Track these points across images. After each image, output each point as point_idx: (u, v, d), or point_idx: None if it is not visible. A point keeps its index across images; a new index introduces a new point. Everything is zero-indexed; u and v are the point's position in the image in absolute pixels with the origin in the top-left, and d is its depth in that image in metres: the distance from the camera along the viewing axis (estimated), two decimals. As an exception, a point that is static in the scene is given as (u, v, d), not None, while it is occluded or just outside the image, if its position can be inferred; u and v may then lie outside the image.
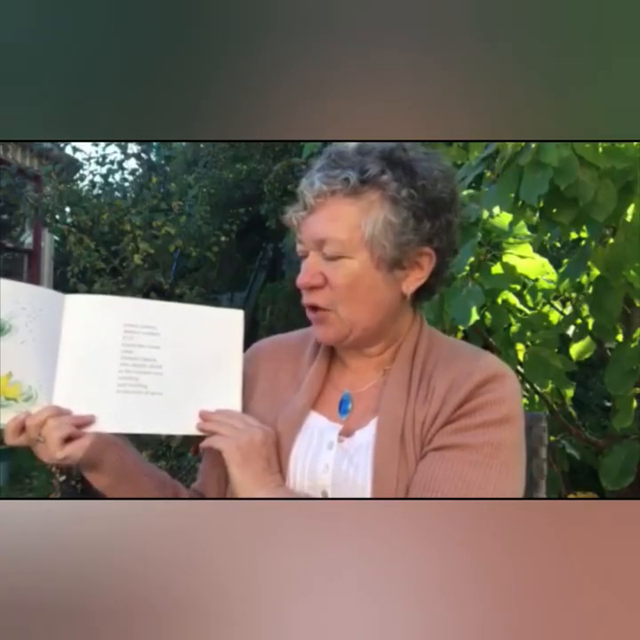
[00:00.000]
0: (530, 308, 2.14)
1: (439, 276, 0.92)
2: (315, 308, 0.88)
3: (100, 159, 5.09)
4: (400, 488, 0.81)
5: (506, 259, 2.01)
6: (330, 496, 0.85)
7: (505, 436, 0.82)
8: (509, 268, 1.99)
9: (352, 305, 0.85)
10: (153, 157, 5.78)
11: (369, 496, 0.82)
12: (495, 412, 0.82)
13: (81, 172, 6.05)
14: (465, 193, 2.00)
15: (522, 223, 1.88)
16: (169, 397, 0.87)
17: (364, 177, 0.83)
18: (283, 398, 0.94)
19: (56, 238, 6.38)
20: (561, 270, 2.01)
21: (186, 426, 0.87)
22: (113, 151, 5.14)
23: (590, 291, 1.89)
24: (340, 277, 0.84)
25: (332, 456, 0.86)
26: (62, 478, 3.42)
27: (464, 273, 1.89)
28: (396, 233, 0.84)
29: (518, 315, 2.12)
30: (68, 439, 0.81)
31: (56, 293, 0.87)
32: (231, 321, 0.93)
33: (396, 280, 0.87)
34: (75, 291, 4.52)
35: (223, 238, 5.57)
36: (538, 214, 1.72)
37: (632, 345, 1.85)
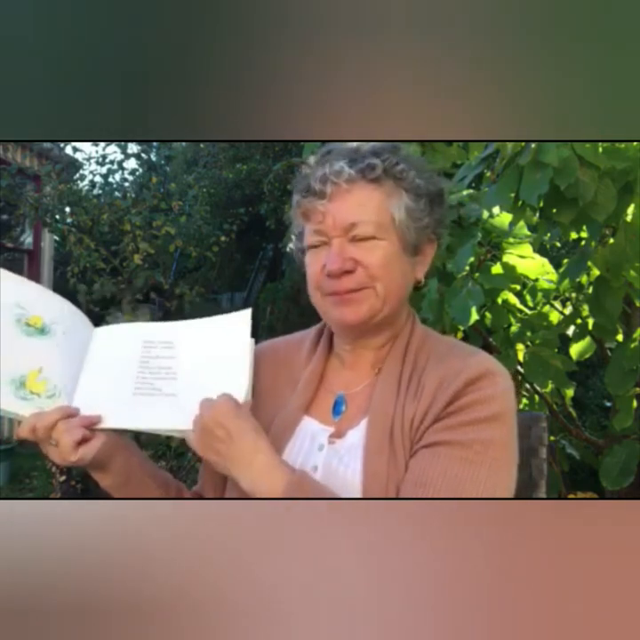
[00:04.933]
0: (530, 308, 2.14)
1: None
2: (348, 291, 0.86)
3: (100, 159, 5.08)
4: (390, 485, 0.81)
5: (506, 259, 2.02)
6: None
7: (495, 434, 0.81)
8: (509, 268, 2.00)
9: (388, 283, 0.86)
10: (153, 157, 5.77)
11: (359, 494, 0.81)
12: (485, 409, 0.81)
13: (81, 172, 6.04)
14: (465, 193, 2.00)
15: (522, 223, 1.88)
16: (182, 398, 0.88)
17: (385, 165, 0.86)
18: (280, 400, 0.94)
19: (56, 238, 6.38)
20: (561, 270, 2.01)
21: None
22: (113, 151, 5.14)
23: (590, 291, 1.89)
24: (374, 257, 0.85)
25: (322, 457, 0.86)
26: (62, 478, 3.42)
27: (464, 273, 1.89)
28: (416, 218, 0.88)
29: (518, 315, 2.12)
30: (81, 441, 0.82)
31: (89, 323, 0.97)
32: (239, 321, 0.95)
33: (413, 265, 0.91)
34: (75, 291, 4.52)
35: (223, 238, 5.57)
36: (538, 214, 1.72)
37: (632, 345, 1.85)
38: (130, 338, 0.93)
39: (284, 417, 0.91)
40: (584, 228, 1.70)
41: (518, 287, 2.10)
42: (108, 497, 0.91)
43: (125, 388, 0.88)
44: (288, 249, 0.97)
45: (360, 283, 0.85)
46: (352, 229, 0.85)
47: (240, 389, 0.90)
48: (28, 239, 6.71)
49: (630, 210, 1.66)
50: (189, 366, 0.91)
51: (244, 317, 0.95)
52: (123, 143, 4.93)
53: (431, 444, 0.81)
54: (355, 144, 0.89)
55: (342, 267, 0.84)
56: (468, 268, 1.89)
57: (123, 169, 5.20)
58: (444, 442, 0.81)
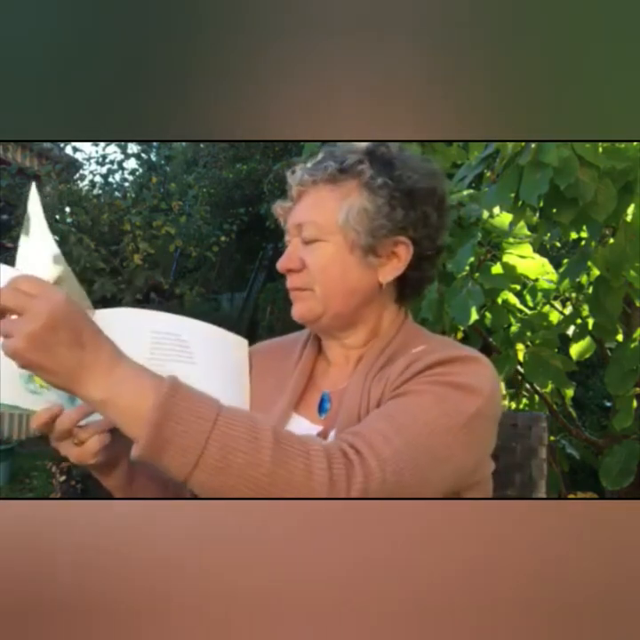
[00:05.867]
0: (530, 308, 2.14)
1: (421, 272, 0.92)
2: (294, 289, 0.91)
3: (100, 159, 5.09)
4: None
5: (506, 259, 2.02)
6: None
7: (464, 401, 0.77)
8: (509, 268, 2.00)
9: (327, 286, 0.87)
10: (153, 157, 5.77)
11: None
12: (457, 377, 0.78)
13: (81, 172, 6.05)
14: (465, 193, 2.00)
15: (522, 223, 1.88)
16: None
17: (342, 166, 0.87)
18: (271, 400, 0.94)
19: (56, 238, 6.37)
20: (561, 270, 2.01)
21: None
22: (113, 151, 5.15)
23: (590, 291, 1.89)
24: (315, 259, 0.87)
25: None
26: (62, 478, 3.42)
27: (464, 273, 1.89)
28: (370, 219, 0.86)
29: (518, 315, 2.12)
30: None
31: (88, 302, 0.89)
32: (237, 347, 0.99)
33: (372, 267, 0.88)
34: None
35: (223, 238, 5.58)
36: (538, 214, 1.73)
37: (632, 345, 1.86)
38: (136, 328, 0.90)
39: (274, 415, 0.91)
40: (584, 228, 1.70)
41: (518, 287, 2.11)
42: (108, 497, 0.91)
43: None
44: (285, 240, 0.99)
45: (304, 282, 0.89)
46: (301, 231, 0.89)
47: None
48: (28, 239, 6.69)
49: (630, 210, 1.66)
50: (204, 370, 0.90)
51: (242, 347, 0.99)
52: (123, 143, 4.94)
53: (391, 397, 0.79)
54: (338, 145, 0.91)
55: (286, 265, 0.89)
56: (468, 268, 1.89)
57: (123, 169, 5.21)
58: (397, 394, 0.79)
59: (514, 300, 2.10)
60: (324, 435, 0.88)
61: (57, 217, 4.82)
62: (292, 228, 0.91)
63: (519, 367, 2.07)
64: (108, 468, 0.87)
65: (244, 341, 1.01)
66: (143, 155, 5.34)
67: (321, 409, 0.91)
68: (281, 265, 0.90)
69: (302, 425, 0.90)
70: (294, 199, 0.91)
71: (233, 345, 0.99)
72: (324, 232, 0.87)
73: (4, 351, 0.65)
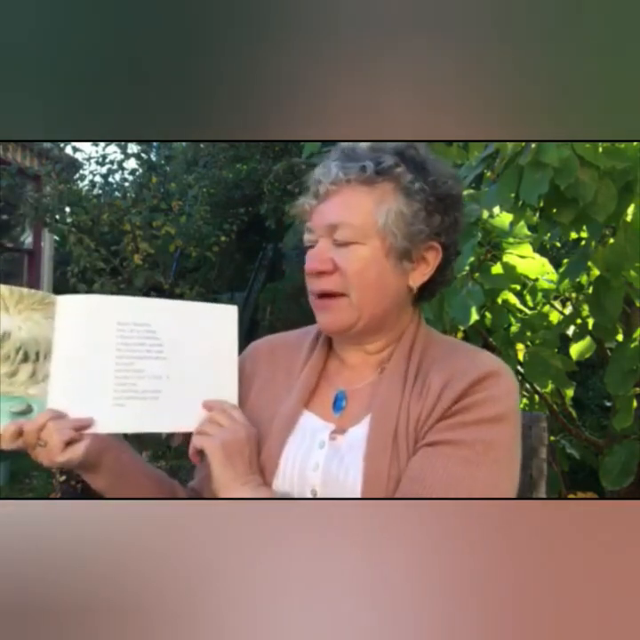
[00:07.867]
0: (530, 308, 2.14)
1: (442, 275, 0.92)
2: (325, 295, 0.87)
3: (100, 159, 5.08)
4: (391, 485, 0.80)
5: (506, 259, 2.02)
6: (319, 495, 0.84)
7: (498, 434, 0.81)
8: (509, 268, 2.00)
9: (362, 291, 0.85)
10: (153, 157, 5.77)
11: (359, 494, 0.81)
12: (489, 409, 0.81)
13: (81, 171, 6.04)
14: (465, 193, 2.00)
15: (522, 223, 1.88)
16: (167, 395, 0.86)
17: (379, 168, 0.85)
18: (279, 397, 0.93)
19: (56, 238, 6.37)
20: (561, 270, 2.01)
21: (183, 424, 0.87)
22: (113, 151, 5.13)
23: (590, 291, 1.89)
24: (351, 262, 0.85)
25: (323, 455, 0.86)
26: (62, 478, 3.42)
27: (464, 273, 1.89)
28: (408, 223, 0.85)
29: (518, 315, 2.12)
30: (69, 442, 0.80)
31: (49, 295, 0.87)
32: (226, 317, 0.93)
33: (404, 272, 0.88)
34: (75, 291, 4.52)
35: (223, 238, 5.57)
36: (538, 214, 1.73)
37: (632, 345, 1.85)
38: (101, 318, 0.86)
39: (284, 412, 0.90)
40: (584, 228, 1.70)
41: (518, 287, 2.10)
42: (107, 497, 0.90)
43: (105, 386, 0.84)
44: (306, 240, 0.95)
45: (336, 285, 0.86)
46: (334, 231, 0.85)
47: (231, 399, 0.90)
48: (28, 239, 6.71)
49: (630, 210, 1.66)
50: (172, 358, 0.87)
51: (230, 314, 0.93)
52: (123, 143, 4.93)
53: (433, 443, 0.81)
54: (364, 143, 0.88)
55: (318, 267, 0.86)
56: (467, 267, 1.89)
57: (123, 169, 5.20)
58: (446, 441, 0.80)
59: (514, 299, 2.10)
60: (339, 430, 0.88)
61: (57, 217, 4.82)
62: (321, 228, 0.87)
63: (519, 367, 2.07)
64: (93, 467, 0.87)
65: (233, 308, 0.94)
66: (143, 155, 5.33)
67: (336, 406, 0.90)
68: (311, 267, 0.87)
69: (313, 422, 0.90)
70: (322, 197, 0.87)
71: (218, 317, 0.93)
72: (361, 235, 0.84)
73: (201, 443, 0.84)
